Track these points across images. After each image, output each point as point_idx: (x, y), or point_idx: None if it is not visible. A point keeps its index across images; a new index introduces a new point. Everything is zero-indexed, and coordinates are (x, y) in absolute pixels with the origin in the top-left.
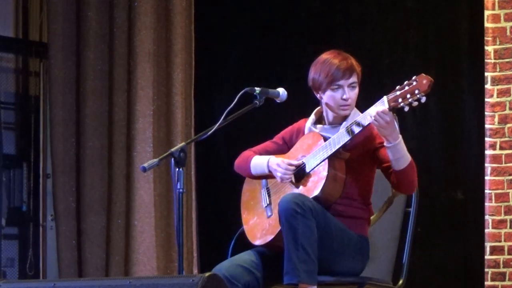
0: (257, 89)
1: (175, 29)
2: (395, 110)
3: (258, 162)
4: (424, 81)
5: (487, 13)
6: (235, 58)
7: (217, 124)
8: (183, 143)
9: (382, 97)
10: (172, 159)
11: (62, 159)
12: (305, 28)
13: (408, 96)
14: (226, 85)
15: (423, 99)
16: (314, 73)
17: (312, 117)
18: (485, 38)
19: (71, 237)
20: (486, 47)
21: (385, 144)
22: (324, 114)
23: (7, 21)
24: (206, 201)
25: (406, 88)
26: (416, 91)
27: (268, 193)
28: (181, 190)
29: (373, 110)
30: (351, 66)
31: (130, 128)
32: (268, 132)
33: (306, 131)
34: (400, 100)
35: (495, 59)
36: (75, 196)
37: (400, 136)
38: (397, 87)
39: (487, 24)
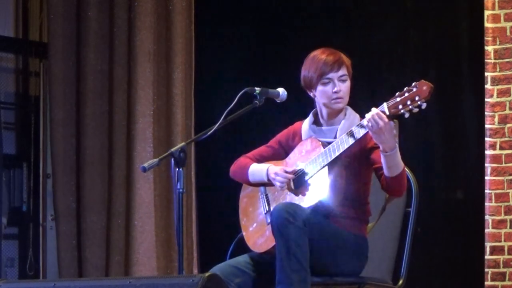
0: (257, 89)
1: (175, 29)
2: (396, 116)
3: (257, 169)
4: (424, 87)
5: (487, 13)
6: (235, 58)
7: (217, 124)
8: (183, 143)
9: (382, 103)
10: (172, 159)
11: (62, 159)
12: (305, 28)
13: (409, 102)
14: (226, 85)
15: (424, 105)
16: (304, 71)
17: (310, 117)
18: (485, 38)
19: (71, 237)
20: (486, 47)
21: (380, 150)
22: (319, 113)
23: (7, 21)
24: (206, 201)
25: (406, 94)
26: (417, 98)
27: (267, 200)
28: (181, 190)
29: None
30: (339, 59)
31: (130, 128)
32: (268, 132)
33: (303, 133)
34: (400, 106)
35: (495, 59)
36: (75, 196)
37: (397, 146)
38: (397, 94)
39: (487, 24)
